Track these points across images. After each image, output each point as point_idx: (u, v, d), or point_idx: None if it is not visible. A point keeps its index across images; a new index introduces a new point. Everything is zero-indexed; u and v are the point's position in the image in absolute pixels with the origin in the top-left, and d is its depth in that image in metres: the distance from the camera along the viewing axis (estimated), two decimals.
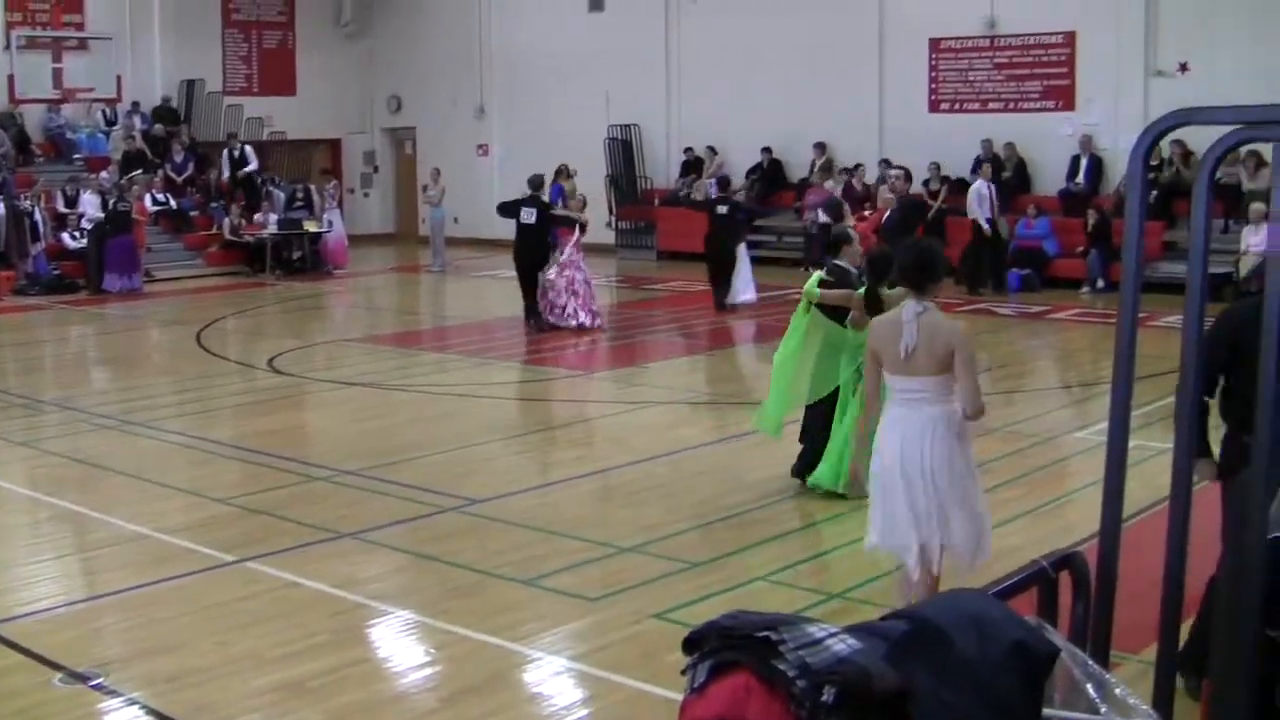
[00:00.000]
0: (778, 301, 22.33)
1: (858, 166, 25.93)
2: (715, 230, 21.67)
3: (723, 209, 21.75)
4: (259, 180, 29.11)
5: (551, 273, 19.22)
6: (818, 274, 10.41)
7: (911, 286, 6.84)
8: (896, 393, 6.81)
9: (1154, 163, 21.98)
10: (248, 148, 29.55)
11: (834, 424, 10.34)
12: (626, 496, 10.51)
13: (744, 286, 21.53)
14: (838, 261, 10.34)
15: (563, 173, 26.20)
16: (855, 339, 9.73)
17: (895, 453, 6.77)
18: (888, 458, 6.80)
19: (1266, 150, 4.26)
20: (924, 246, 7.11)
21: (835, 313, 10.14)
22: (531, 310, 19.28)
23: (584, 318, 19.00)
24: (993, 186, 23.30)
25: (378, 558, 8.97)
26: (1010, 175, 24.71)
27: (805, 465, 10.54)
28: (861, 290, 9.80)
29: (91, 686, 6.86)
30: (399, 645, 7.59)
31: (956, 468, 6.75)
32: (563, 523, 9.72)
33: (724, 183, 24.64)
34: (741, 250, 21.63)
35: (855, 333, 9.73)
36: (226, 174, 29.26)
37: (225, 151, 29.45)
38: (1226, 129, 3.41)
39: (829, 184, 26.34)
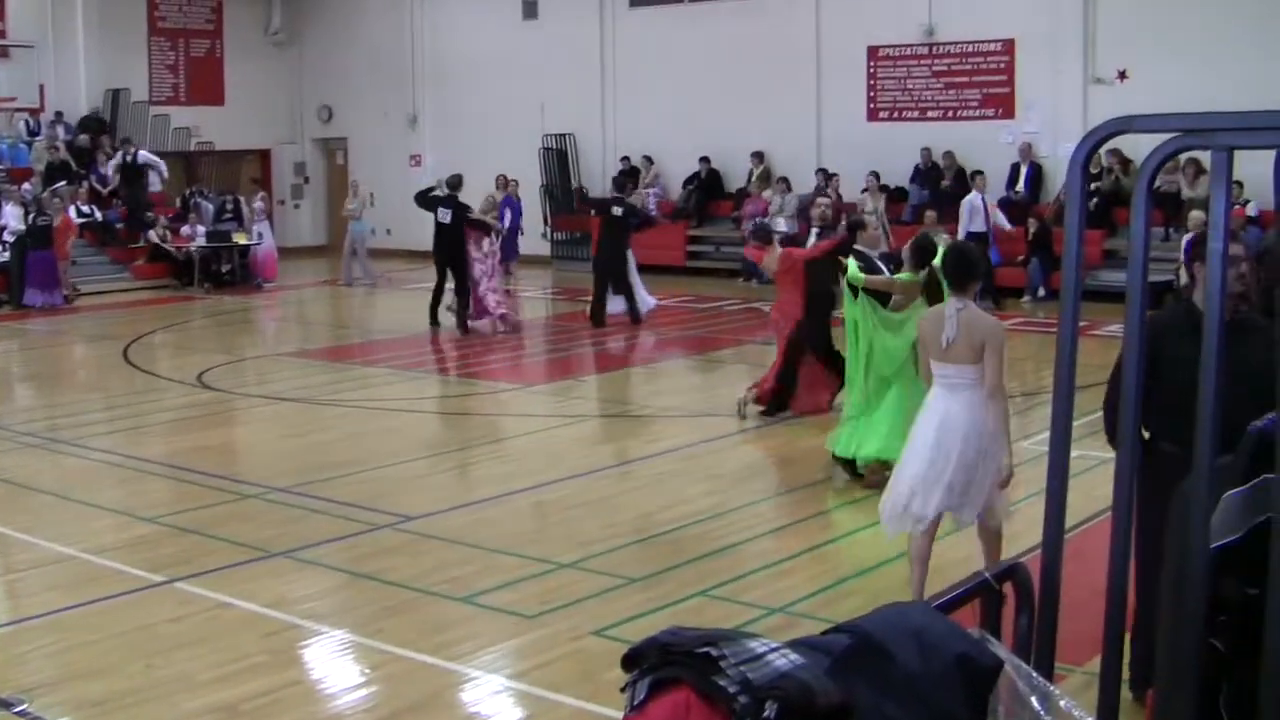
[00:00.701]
0: (713, 313, 22.39)
1: (833, 176, 25.73)
2: (606, 234, 21.10)
3: (618, 210, 21.18)
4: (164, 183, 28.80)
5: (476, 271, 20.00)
6: (852, 263, 11.02)
7: (952, 285, 7.65)
8: (938, 377, 7.72)
9: (1093, 171, 22.19)
10: (144, 153, 28.72)
11: (876, 399, 10.88)
12: (563, 512, 10.49)
13: (645, 294, 21.42)
14: (858, 247, 11.21)
15: (501, 185, 26.17)
16: (904, 317, 10.65)
17: (933, 428, 7.63)
18: (927, 433, 7.68)
19: (1206, 158, 4.34)
20: (963, 250, 7.99)
21: (877, 295, 10.92)
22: (434, 307, 20.56)
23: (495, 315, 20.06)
24: (986, 199, 23.29)
25: (311, 577, 8.91)
26: (949, 184, 24.90)
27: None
28: (903, 276, 10.51)
29: (16, 713, 6.76)
30: (334, 666, 7.54)
31: (985, 443, 7.65)
32: (499, 539, 9.69)
33: (620, 183, 24.29)
34: (630, 257, 21.26)
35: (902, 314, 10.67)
36: (114, 179, 28.55)
37: (119, 154, 28.65)
38: (1165, 137, 3.45)
39: (767, 193, 26.46)
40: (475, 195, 21.38)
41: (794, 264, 13.17)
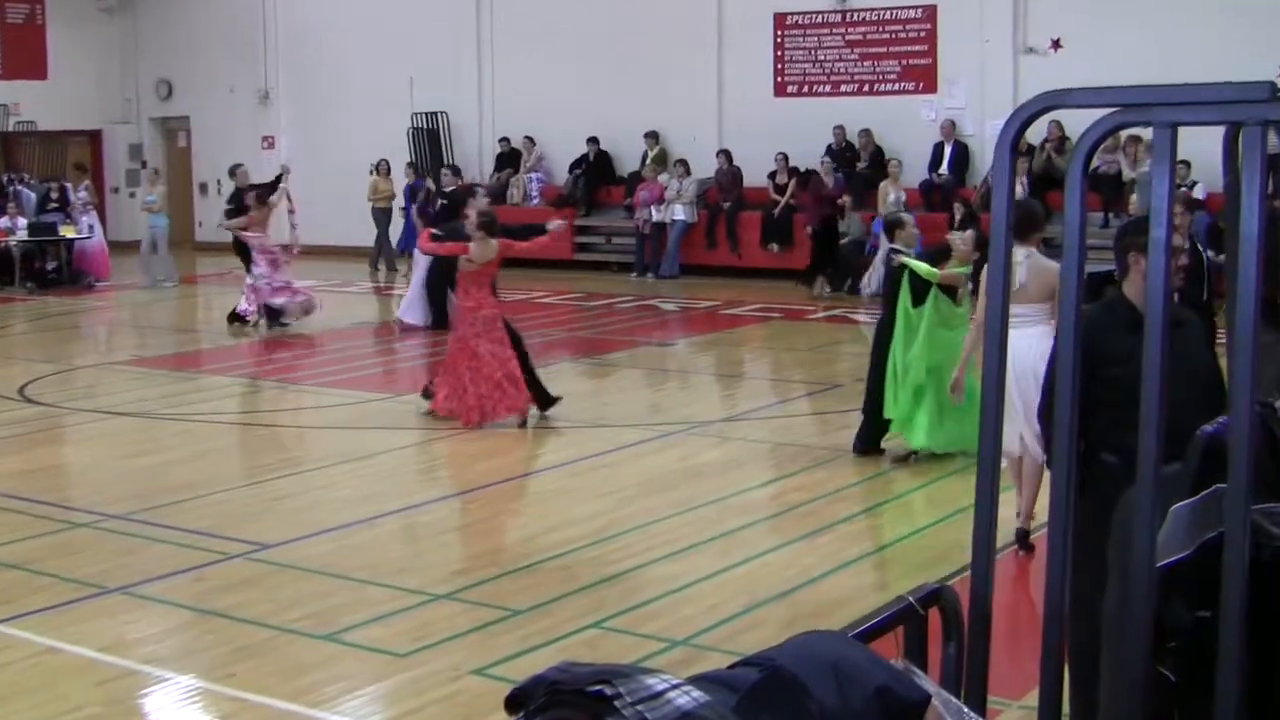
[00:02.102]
0: (602, 311, 22.41)
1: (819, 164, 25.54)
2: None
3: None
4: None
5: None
6: (913, 261, 12.02)
7: (1017, 236, 8.98)
8: (972, 320, 10.12)
9: (1024, 150, 22.50)
10: None
11: (900, 389, 11.92)
12: (438, 536, 10.44)
13: (415, 299, 20.83)
14: (895, 245, 12.37)
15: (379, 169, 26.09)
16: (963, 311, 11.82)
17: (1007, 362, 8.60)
18: (1028, 371, 9.03)
19: (1149, 135, 4.44)
20: (1026, 204, 10.18)
21: (950, 291, 11.92)
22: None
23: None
24: (901, 197, 23.61)
25: (152, 615, 8.79)
26: (865, 165, 25.14)
27: (868, 439, 12.38)
28: (966, 269, 11.53)
29: None
30: (179, 716, 7.44)
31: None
32: (366, 568, 9.62)
33: (456, 169, 24.13)
34: (416, 256, 20.86)
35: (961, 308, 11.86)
36: None
37: None
38: (1102, 112, 3.49)
39: (663, 178, 26.53)
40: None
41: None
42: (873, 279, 21.96)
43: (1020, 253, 9.22)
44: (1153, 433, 3.46)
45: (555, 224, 15.04)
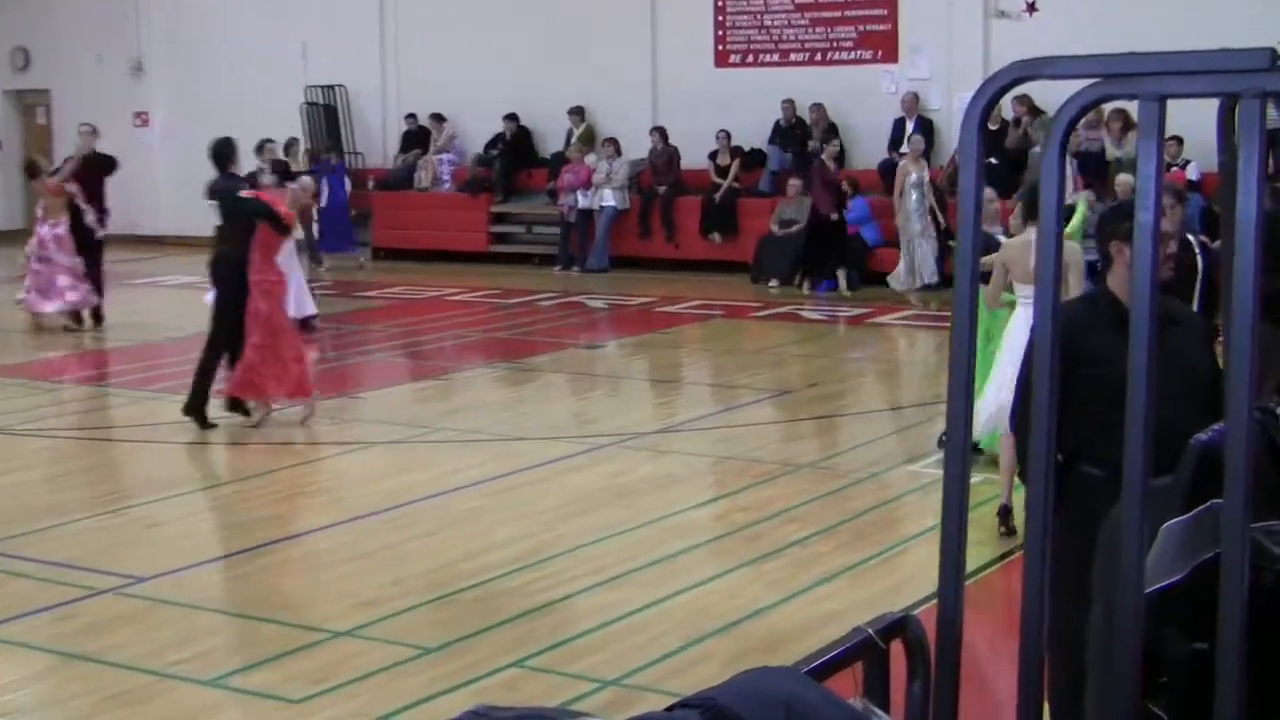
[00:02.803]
0: (523, 310, 22.39)
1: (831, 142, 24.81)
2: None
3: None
4: None
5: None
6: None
7: (1028, 217, 10.62)
8: (1022, 299, 10.82)
9: (995, 126, 22.61)
10: None
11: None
12: (339, 566, 10.39)
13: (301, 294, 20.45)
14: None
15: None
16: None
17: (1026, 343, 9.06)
18: (1019, 347, 9.07)
19: (1134, 109, 4.44)
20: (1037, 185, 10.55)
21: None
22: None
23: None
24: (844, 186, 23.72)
25: (9, 660, 8.71)
26: (818, 144, 25.20)
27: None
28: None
29: None
30: None
31: None
32: (257, 603, 9.56)
33: (291, 146, 23.72)
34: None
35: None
36: None
37: None
38: (1082, 83, 3.49)
39: (590, 159, 26.53)
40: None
41: None
42: (923, 271, 21.89)
43: (1033, 232, 9.79)
44: (1140, 441, 3.48)
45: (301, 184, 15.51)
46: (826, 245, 23.56)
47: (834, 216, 23.54)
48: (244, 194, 14.95)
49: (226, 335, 14.46)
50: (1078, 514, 5.63)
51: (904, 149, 23.79)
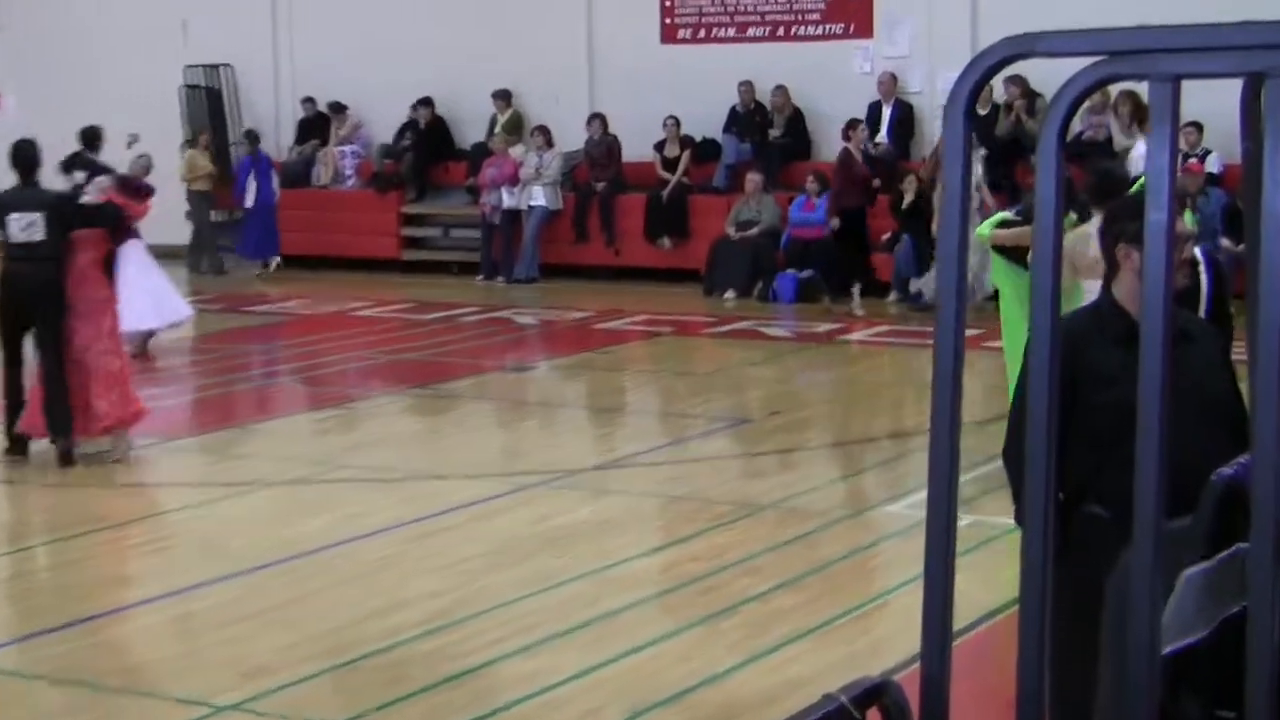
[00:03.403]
0: (441, 327, 22.33)
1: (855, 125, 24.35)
2: None
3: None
4: None
5: None
6: (1000, 214, 12.25)
7: (1096, 203, 10.01)
8: (1087, 293, 9.59)
9: (984, 111, 22.71)
10: None
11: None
12: (223, 628, 10.32)
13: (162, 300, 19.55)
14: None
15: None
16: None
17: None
18: None
19: (1145, 91, 4.42)
20: (1107, 169, 11.06)
21: (1017, 256, 12.01)
22: None
23: None
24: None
25: None
26: (781, 134, 25.26)
27: None
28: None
29: None
30: None
31: None
32: (123, 672, 9.50)
33: (91, 136, 23.50)
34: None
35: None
36: None
37: None
38: (1085, 62, 3.49)
39: (517, 151, 26.51)
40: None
41: None
42: (982, 279, 21.78)
43: (1096, 222, 9.88)
44: (1153, 475, 3.47)
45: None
46: (852, 253, 23.35)
47: (834, 224, 23.39)
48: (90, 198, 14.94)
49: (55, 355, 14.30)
50: (1082, 562, 5.64)
51: (878, 140, 23.86)
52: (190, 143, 28.36)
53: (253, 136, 28.31)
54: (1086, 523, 6.09)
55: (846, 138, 23.69)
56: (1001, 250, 12.43)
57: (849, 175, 23.42)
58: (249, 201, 27.48)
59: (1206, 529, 3.91)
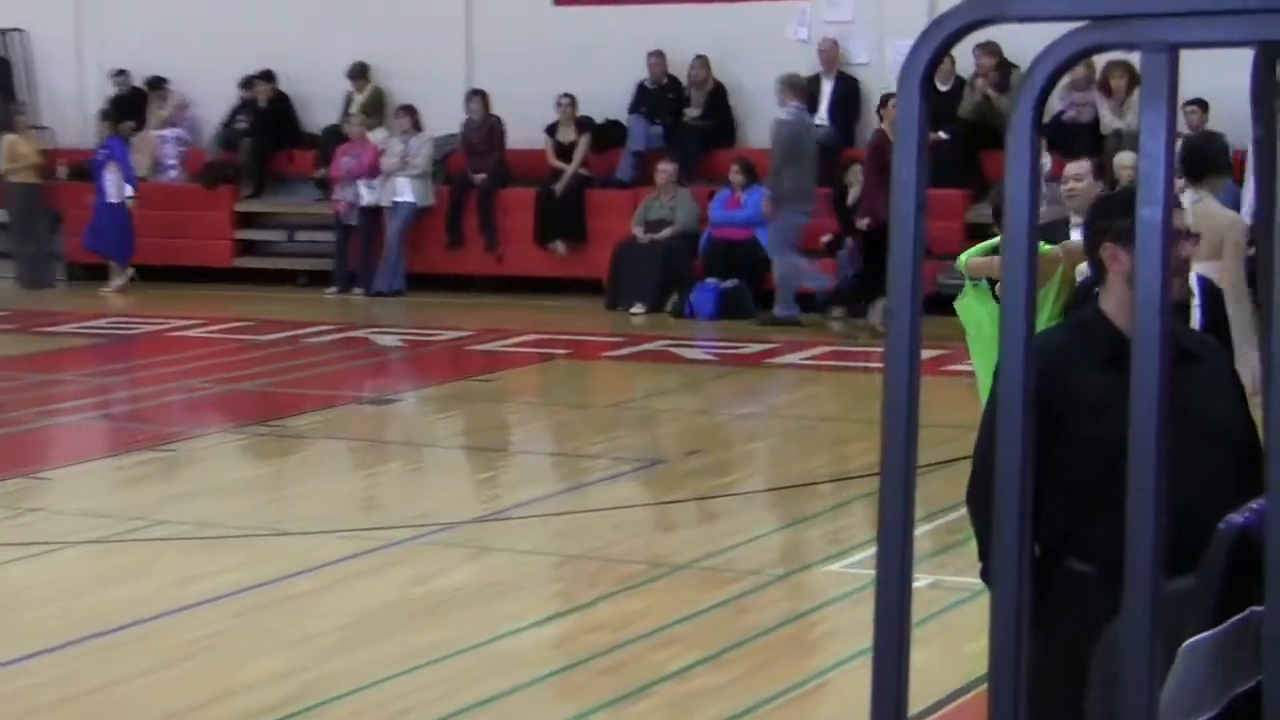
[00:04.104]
0: (286, 350, 22.27)
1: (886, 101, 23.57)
2: None
3: None
4: None
5: None
6: (991, 242, 12.21)
7: (1189, 177, 11.18)
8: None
9: (946, 86, 22.84)
10: None
11: None
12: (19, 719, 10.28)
13: None
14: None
15: None
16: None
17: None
18: None
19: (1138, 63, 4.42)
20: (1200, 138, 12.42)
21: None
22: None
23: None
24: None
25: None
26: (700, 115, 25.30)
27: None
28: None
29: None
30: None
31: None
32: None
33: None
34: None
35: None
36: None
37: None
38: (1066, 28, 3.53)
39: (379, 136, 26.47)
40: None
41: None
42: None
43: (1190, 197, 10.88)
44: (1148, 526, 3.51)
45: None
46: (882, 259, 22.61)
47: (864, 223, 22.81)
48: None
49: None
50: (1064, 628, 5.68)
51: (818, 122, 24.00)
52: (6, 126, 28.05)
53: (113, 114, 27.93)
54: (1069, 582, 6.12)
55: (956, 117, 23.40)
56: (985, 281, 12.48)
57: (882, 165, 22.83)
58: (112, 195, 27.09)
59: (1214, 589, 3.95)
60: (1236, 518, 3.98)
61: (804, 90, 23.90)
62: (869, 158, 23.04)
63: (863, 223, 22.83)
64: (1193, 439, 5.51)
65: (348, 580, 12.70)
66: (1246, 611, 3.83)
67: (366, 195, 26.29)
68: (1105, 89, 22.60)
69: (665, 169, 24.51)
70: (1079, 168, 12.24)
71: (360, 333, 23.32)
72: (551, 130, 25.81)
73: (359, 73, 27.37)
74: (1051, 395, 5.87)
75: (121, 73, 29.00)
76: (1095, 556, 5.94)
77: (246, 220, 28.15)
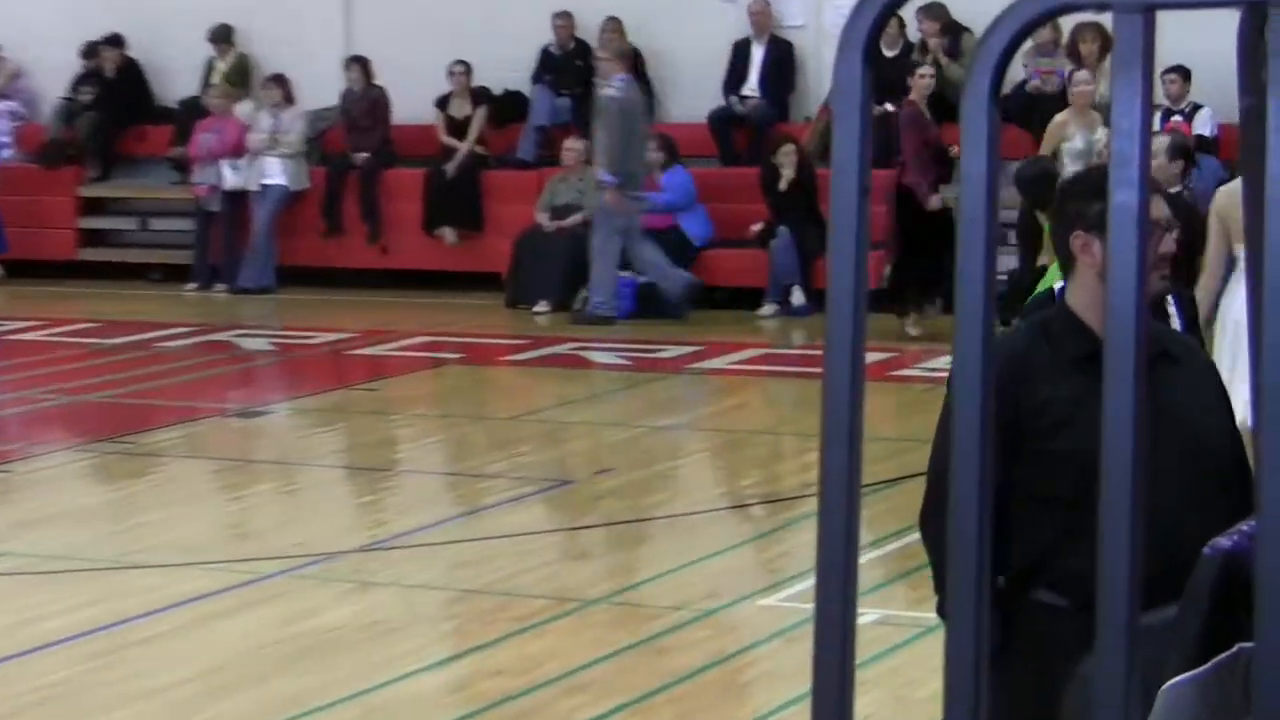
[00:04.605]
0: (136, 356, 22.22)
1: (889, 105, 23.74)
2: None
3: None
4: None
5: None
6: None
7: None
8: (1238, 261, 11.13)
9: (892, 52, 22.91)
10: None
11: None
12: None
13: None
14: None
15: None
16: None
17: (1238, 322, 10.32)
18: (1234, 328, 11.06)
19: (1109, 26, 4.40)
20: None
21: None
22: None
23: None
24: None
25: None
26: (618, 86, 25.30)
27: None
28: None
29: None
30: None
31: None
32: None
33: None
34: None
35: None
36: None
37: None
38: None
39: (244, 109, 26.42)
40: None
41: None
42: None
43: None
44: (1122, 552, 3.53)
45: None
46: (927, 252, 21.96)
47: (934, 203, 22.43)
48: None
49: None
50: (1031, 668, 5.71)
51: (746, 93, 24.06)
52: None
53: None
54: (1037, 616, 6.14)
55: (905, 88, 23.28)
56: None
57: (921, 141, 22.71)
58: None
59: (1198, 622, 3.97)
60: (1223, 541, 4.01)
61: (630, 60, 24.02)
62: (908, 127, 22.78)
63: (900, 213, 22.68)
64: (1172, 451, 5.55)
65: (212, 620, 12.68)
66: (1235, 648, 3.86)
67: (231, 178, 26.23)
68: (1074, 54, 22.68)
69: (573, 147, 24.52)
70: (1158, 142, 12.56)
71: (224, 335, 23.28)
72: (443, 103, 25.80)
73: (221, 36, 27.32)
74: (1015, 406, 5.91)
75: None
76: (1066, 587, 5.96)
77: (92, 207, 28.06)
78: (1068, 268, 6.40)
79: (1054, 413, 5.89)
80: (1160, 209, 6.33)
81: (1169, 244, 6.44)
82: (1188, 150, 14.01)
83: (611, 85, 23.30)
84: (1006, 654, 6.11)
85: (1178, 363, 6.18)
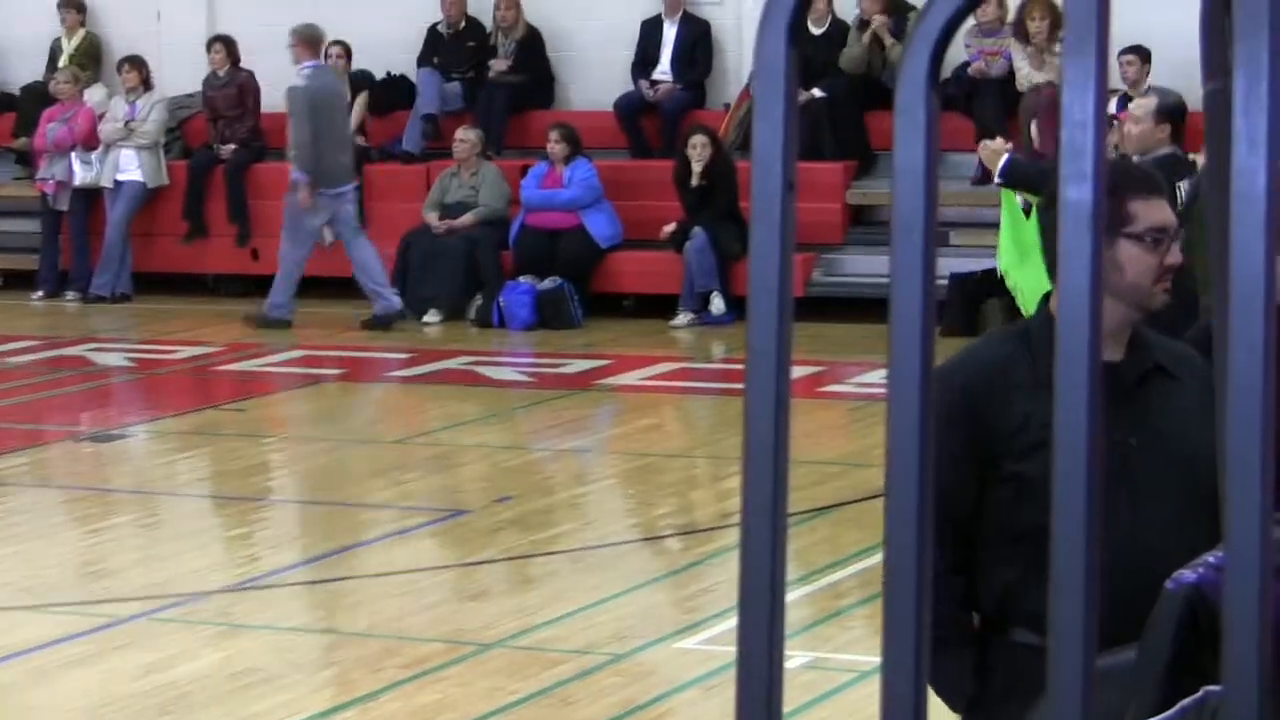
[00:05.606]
0: None
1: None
2: None
3: None
4: None
5: None
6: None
7: None
8: None
9: (820, 30, 22.97)
10: None
11: None
12: None
13: None
14: None
15: None
16: None
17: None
18: None
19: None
20: None
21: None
22: None
23: None
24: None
25: None
26: (510, 68, 25.34)
27: None
28: None
29: None
30: None
31: None
32: None
33: None
34: None
35: None
36: None
37: None
38: None
39: (96, 95, 26.36)
40: None
41: None
42: None
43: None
44: (1079, 587, 3.55)
45: None
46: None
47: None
48: None
49: None
50: (1013, 712, 5.73)
51: (657, 78, 24.10)
52: None
53: None
54: (1014, 658, 6.13)
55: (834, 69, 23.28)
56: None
57: (1052, 111, 22.17)
58: None
59: (1160, 661, 4.00)
60: (1188, 574, 4.03)
61: (320, 44, 24.10)
62: (1047, 111, 22.53)
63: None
64: (1155, 475, 5.58)
65: (62, 669, 12.66)
66: (1201, 692, 3.89)
67: (81, 173, 26.15)
68: (1021, 34, 22.78)
69: (465, 138, 24.49)
70: (1143, 106, 12.63)
71: (76, 350, 23.23)
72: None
73: (72, 10, 27.23)
74: (986, 427, 5.93)
75: None
76: (1044, 625, 5.95)
77: None
78: (1054, 273, 6.44)
79: (1031, 433, 5.87)
80: (1167, 214, 6.33)
81: (1175, 254, 6.38)
82: (1178, 112, 13.59)
83: (299, 74, 23.33)
84: (983, 699, 6.15)
85: (1178, 381, 6.15)
